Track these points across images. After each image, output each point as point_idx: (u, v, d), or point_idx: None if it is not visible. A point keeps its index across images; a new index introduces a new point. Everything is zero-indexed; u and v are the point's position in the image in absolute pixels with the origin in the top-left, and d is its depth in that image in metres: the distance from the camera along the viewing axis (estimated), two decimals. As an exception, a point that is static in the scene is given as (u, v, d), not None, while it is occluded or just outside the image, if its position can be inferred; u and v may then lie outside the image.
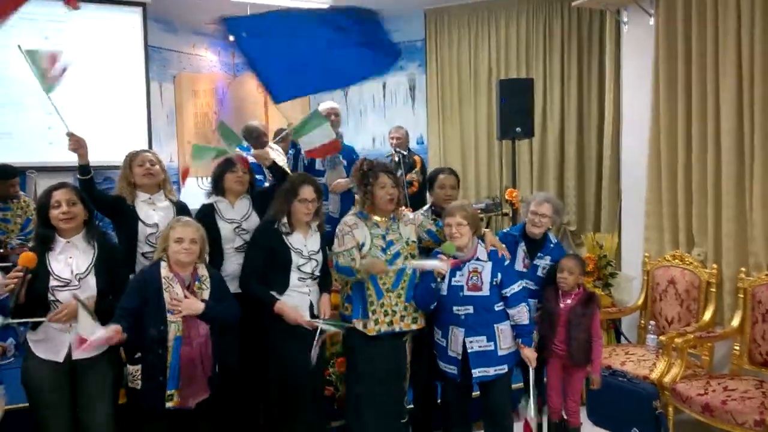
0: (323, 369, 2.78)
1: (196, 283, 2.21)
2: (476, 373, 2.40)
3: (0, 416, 2.10)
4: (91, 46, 4.80)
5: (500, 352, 2.42)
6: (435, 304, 2.45)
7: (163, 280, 2.15)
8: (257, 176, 3.37)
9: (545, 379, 2.70)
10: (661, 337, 2.97)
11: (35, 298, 2.03)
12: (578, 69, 5.07)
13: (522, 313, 2.44)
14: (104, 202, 2.55)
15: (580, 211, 5.11)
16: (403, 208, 2.70)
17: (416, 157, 4.31)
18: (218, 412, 2.32)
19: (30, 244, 2.20)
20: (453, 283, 2.42)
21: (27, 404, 2.19)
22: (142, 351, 2.13)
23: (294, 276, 2.45)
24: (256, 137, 3.60)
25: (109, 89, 4.86)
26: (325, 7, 2.55)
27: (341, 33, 2.44)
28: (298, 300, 2.45)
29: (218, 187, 2.66)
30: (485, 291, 2.40)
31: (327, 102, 4.12)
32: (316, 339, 2.34)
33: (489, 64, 5.46)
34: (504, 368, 2.44)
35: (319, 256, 2.52)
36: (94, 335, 1.91)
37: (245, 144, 3.47)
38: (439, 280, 2.39)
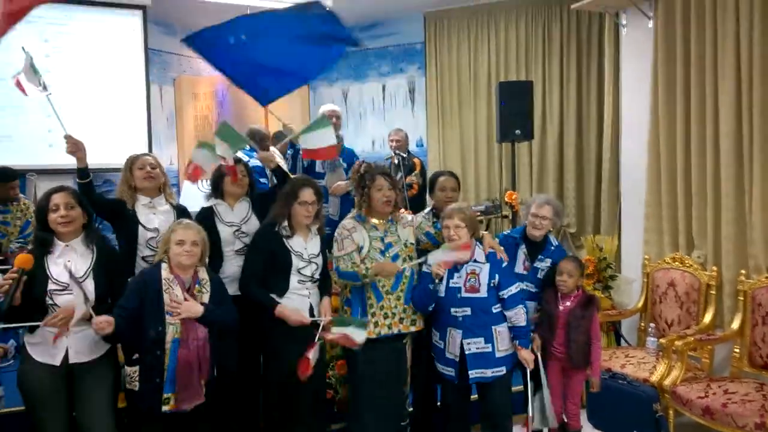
0: (324, 371, 2.78)
1: (196, 286, 2.21)
2: (473, 374, 2.41)
3: None
4: (91, 48, 4.81)
5: (498, 354, 2.42)
6: (433, 305, 2.46)
7: (164, 281, 2.15)
8: (260, 179, 3.39)
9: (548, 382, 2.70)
10: (661, 340, 2.97)
11: (33, 301, 2.02)
12: (577, 72, 5.08)
13: (519, 315, 2.44)
14: (104, 205, 2.55)
15: (579, 213, 5.12)
16: (403, 210, 2.70)
17: (416, 160, 4.31)
18: (217, 415, 2.31)
19: (29, 247, 2.18)
20: (451, 285, 2.43)
21: (24, 408, 2.18)
22: (140, 352, 2.13)
23: (294, 279, 2.45)
24: (260, 140, 3.61)
25: (109, 92, 4.87)
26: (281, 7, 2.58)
27: (290, 29, 2.46)
28: (298, 303, 2.45)
29: (217, 190, 2.66)
30: (483, 293, 2.41)
31: (328, 105, 4.13)
32: (316, 338, 2.32)
33: (488, 67, 5.47)
34: (502, 370, 2.44)
35: (320, 259, 2.52)
36: (78, 310, 1.93)
37: (248, 147, 3.49)
38: (437, 281, 2.40)
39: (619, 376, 2.92)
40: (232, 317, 2.28)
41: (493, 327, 2.43)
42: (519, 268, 2.73)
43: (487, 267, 2.43)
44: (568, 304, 2.60)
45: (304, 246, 2.47)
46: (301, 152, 3.39)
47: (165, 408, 2.09)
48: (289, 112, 5.57)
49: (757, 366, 2.90)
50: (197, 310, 2.14)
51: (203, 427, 2.24)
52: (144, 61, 5.05)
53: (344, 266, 2.46)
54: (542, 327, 2.62)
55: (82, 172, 2.46)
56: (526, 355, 2.44)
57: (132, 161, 2.60)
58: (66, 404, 2.14)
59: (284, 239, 2.44)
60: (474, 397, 2.60)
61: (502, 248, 2.56)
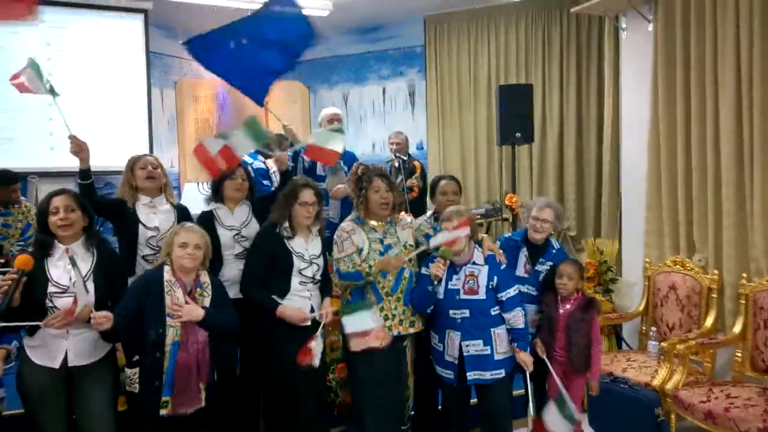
0: (324, 374, 2.77)
1: (198, 289, 2.21)
2: (471, 375, 2.41)
3: None
4: (92, 52, 4.82)
5: (497, 357, 2.42)
6: (432, 307, 2.46)
7: (165, 283, 2.15)
8: (263, 181, 3.40)
9: (546, 386, 2.69)
10: (663, 344, 2.96)
11: (33, 303, 2.02)
12: (577, 75, 5.09)
13: (517, 318, 2.44)
14: (105, 206, 2.57)
15: (580, 216, 5.11)
16: (403, 213, 2.70)
17: (416, 163, 4.31)
18: (218, 418, 2.30)
19: (30, 250, 2.19)
20: (450, 287, 2.43)
21: (24, 410, 2.17)
22: (140, 354, 2.13)
23: (295, 280, 2.45)
24: (279, 142, 3.64)
25: (111, 95, 4.88)
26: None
27: (270, 30, 2.51)
28: (299, 304, 2.45)
29: (218, 193, 2.66)
30: (481, 294, 2.41)
31: (329, 108, 4.13)
32: (317, 334, 2.32)
33: (488, 70, 5.48)
34: (501, 373, 2.43)
35: (320, 260, 2.52)
36: (80, 302, 1.93)
37: (253, 150, 3.50)
38: (435, 283, 2.40)
39: (620, 380, 2.90)
40: (232, 321, 2.28)
41: (491, 329, 2.43)
42: (520, 271, 2.72)
43: (485, 269, 2.44)
44: (568, 307, 2.60)
45: (305, 247, 2.48)
46: (302, 152, 3.39)
47: (163, 411, 2.08)
48: (289, 113, 5.59)
49: (759, 370, 2.88)
50: (198, 313, 2.14)
51: (203, 430, 2.23)
52: (145, 65, 5.07)
53: (345, 267, 2.46)
54: (543, 331, 2.62)
55: (84, 173, 2.47)
56: (524, 358, 2.43)
57: (134, 161, 2.62)
58: (65, 407, 2.14)
59: (285, 240, 2.45)
60: (474, 401, 2.59)
61: (501, 251, 2.56)
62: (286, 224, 2.46)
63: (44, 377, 2.08)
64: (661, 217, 3.57)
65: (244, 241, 2.60)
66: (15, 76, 2.45)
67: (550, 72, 5.19)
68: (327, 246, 2.61)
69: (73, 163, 2.49)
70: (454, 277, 2.43)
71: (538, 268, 2.73)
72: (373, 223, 2.53)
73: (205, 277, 2.25)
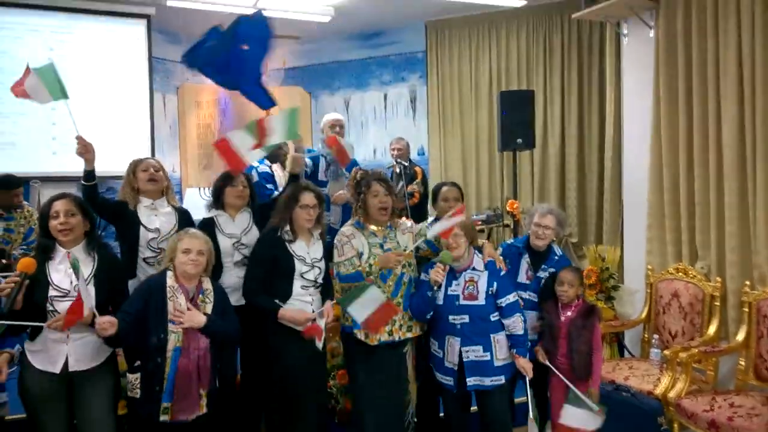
0: (325, 381, 2.77)
1: (200, 296, 2.21)
2: (471, 381, 2.40)
3: None
4: (95, 57, 4.84)
5: (497, 363, 2.42)
6: (431, 313, 2.46)
7: (168, 289, 2.15)
8: (267, 185, 3.41)
9: (548, 393, 2.68)
10: (665, 352, 2.94)
11: (34, 307, 2.02)
12: (578, 81, 5.09)
13: (517, 324, 2.44)
14: (107, 207, 2.58)
15: (581, 222, 5.11)
16: (404, 219, 2.70)
17: (417, 168, 4.31)
18: (219, 426, 2.30)
19: (32, 254, 2.19)
20: (449, 293, 2.44)
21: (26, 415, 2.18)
22: (142, 359, 2.13)
23: (297, 284, 2.44)
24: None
25: (113, 100, 4.90)
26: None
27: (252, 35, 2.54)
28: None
29: (218, 200, 2.67)
30: (481, 300, 2.41)
31: (331, 114, 4.14)
32: (322, 309, 2.36)
33: (490, 76, 5.48)
34: (501, 379, 2.43)
35: (322, 264, 2.52)
36: (86, 306, 1.95)
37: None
38: (435, 288, 2.40)
39: (622, 388, 2.89)
40: (234, 328, 2.28)
41: (491, 335, 2.42)
42: (522, 278, 2.72)
43: (485, 275, 2.44)
44: (569, 314, 2.59)
45: (306, 250, 2.48)
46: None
47: (163, 417, 2.08)
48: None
49: (762, 378, 2.86)
50: (200, 320, 2.14)
51: (204, 436, 2.22)
52: (148, 70, 5.09)
53: (345, 270, 2.47)
54: (545, 338, 2.61)
55: (89, 174, 2.49)
56: (524, 364, 2.43)
57: (136, 164, 2.64)
58: (66, 412, 2.14)
59: (287, 244, 2.45)
60: (474, 408, 2.58)
61: (501, 258, 2.56)
62: (288, 228, 2.46)
63: (45, 382, 2.08)
64: (663, 224, 3.55)
65: (244, 249, 2.60)
66: (20, 83, 2.43)
67: (552, 78, 5.20)
68: (328, 252, 2.61)
69: (76, 168, 2.50)
70: (454, 282, 2.44)
71: (540, 274, 2.72)
72: (373, 227, 2.53)
73: (207, 284, 2.26)
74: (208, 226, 2.60)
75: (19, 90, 2.39)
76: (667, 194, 3.51)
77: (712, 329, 3.10)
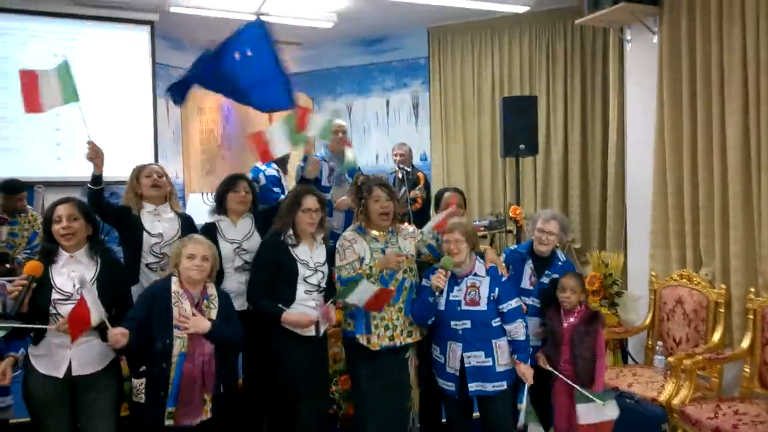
0: (328, 384, 2.76)
1: (205, 301, 2.22)
2: (473, 386, 2.40)
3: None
4: (99, 63, 4.87)
5: (498, 369, 2.41)
6: (432, 319, 2.45)
7: (173, 295, 2.16)
8: (274, 188, 3.41)
9: (551, 400, 2.66)
10: (670, 359, 2.92)
11: (37, 310, 2.03)
12: (581, 87, 5.10)
13: (518, 330, 2.43)
14: (111, 212, 2.59)
15: (584, 228, 5.10)
16: (406, 224, 2.70)
17: (420, 174, 4.31)
18: (221, 427, 2.29)
19: (36, 258, 2.20)
20: (451, 298, 2.43)
21: (30, 419, 2.18)
22: (147, 364, 2.14)
23: (301, 288, 2.44)
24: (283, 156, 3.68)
25: (117, 106, 4.92)
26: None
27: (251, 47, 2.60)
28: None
29: (221, 206, 2.68)
30: (482, 306, 2.41)
31: (335, 120, 4.15)
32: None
33: (492, 82, 5.49)
34: (503, 385, 2.42)
35: (325, 268, 2.52)
36: (93, 318, 1.97)
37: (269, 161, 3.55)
38: (437, 294, 2.40)
39: (626, 395, 2.87)
40: (238, 333, 2.29)
41: (493, 341, 2.42)
42: (525, 284, 2.71)
43: (487, 280, 2.44)
44: (571, 320, 2.58)
45: (309, 255, 2.48)
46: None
47: (168, 422, 2.09)
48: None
49: (767, 386, 2.84)
50: (205, 325, 2.15)
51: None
52: (151, 76, 5.11)
53: (346, 274, 2.47)
54: (547, 345, 2.60)
55: (97, 179, 2.51)
56: (524, 370, 2.42)
57: (139, 170, 2.65)
58: (70, 416, 2.14)
59: (290, 248, 2.45)
60: (477, 414, 2.57)
61: (503, 264, 2.57)
62: (290, 232, 2.46)
63: (49, 386, 2.09)
64: (667, 230, 3.54)
65: (245, 254, 2.61)
66: (31, 75, 2.36)
67: (555, 84, 5.20)
68: (331, 256, 2.61)
69: (80, 173, 2.52)
70: (455, 288, 2.44)
71: (544, 280, 2.71)
72: (375, 232, 2.53)
73: (212, 289, 2.27)
74: (209, 231, 2.61)
75: (34, 102, 2.36)
76: (670, 200, 3.50)
77: (716, 336, 3.08)
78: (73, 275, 2.09)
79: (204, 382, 2.13)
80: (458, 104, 5.66)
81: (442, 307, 2.43)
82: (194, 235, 2.39)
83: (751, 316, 2.94)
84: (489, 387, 2.41)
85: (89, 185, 2.50)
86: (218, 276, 2.50)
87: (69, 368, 2.08)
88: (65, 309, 2.04)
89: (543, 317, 2.66)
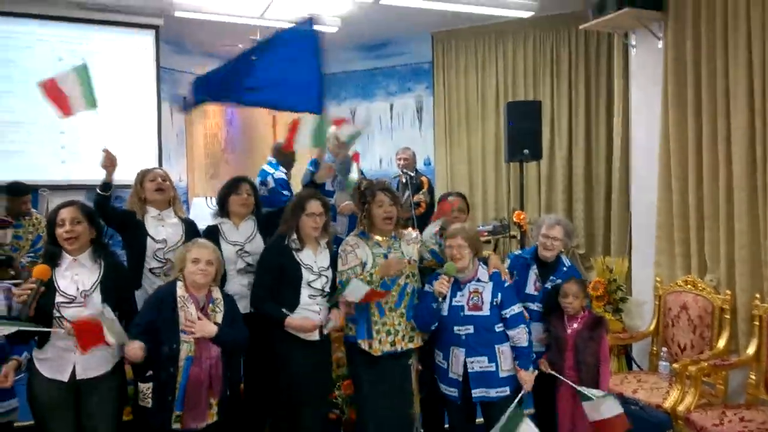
0: (330, 390, 2.76)
1: (210, 305, 2.23)
2: (476, 392, 2.39)
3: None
4: (104, 67, 4.87)
5: (501, 374, 2.41)
6: (435, 324, 2.45)
7: (179, 299, 2.17)
8: (283, 191, 3.42)
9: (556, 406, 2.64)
10: (674, 365, 2.90)
11: (41, 313, 2.04)
12: (586, 92, 5.10)
13: (521, 335, 2.43)
14: (115, 217, 2.61)
15: (589, 233, 5.08)
16: (409, 229, 2.70)
17: (423, 178, 4.32)
18: (225, 430, 2.29)
19: (40, 261, 2.21)
20: (454, 303, 2.43)
21: (34, 422, 2.19)
22: (154, 369, 2.14)
23: (305, 293, 2.44)
24: (288, 156, 3.70)
25: (121, 109, 4.93)
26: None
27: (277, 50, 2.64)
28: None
29: (223, 208, 2.68)
30: (485, 311, 2.41)
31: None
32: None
33: (496, 87, 5.50)
34: (506, 390, 2.41)
35: (329, 273, 2.52)
36: (112, 340, 2.00)
37: (275, 161, 3.60)
38: (440, 300, 2.40)
39: (631, 402, 2.86)
40: (243, 336, 2.30)
41: (496, 346, 2.41)
42: (530, 289, 2.70)
43: (490, 286, 2.44)
44: (575, 326, 2.57)
45: (313, 259, 2.48)
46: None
47: (175, 426, 2.10)
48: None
49: (773, 393, 2.82)
50: (211, 329, 2.16)
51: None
52: (156, 80, 5.13)
53: (348, 279, 2.45)
54: (551, 351, 2.59)
55: (106, 185, 2.53)
56: (525, 377, 2.42)
57: (143, 174, 2.66)
58: (74, 420, 2.14)
59: (294, 252, 2.45)
60: (480, 420, 2.56)
61: (506, 270, 2.56)
62: (294, 236, 2.46)
63: (53, 390, 2.09)
64: (672, 235, 3.53)
65: (248, 257, 2.61)
66: (50, 82, 2.36)
67: (559, 89, 5.20)
68: (334, 261, 2.61)
69: (84, 176, 2.53)
70: (458, 293, 2.44)
71: (549, 285, 2.70)
72: (378, 237, 2.53)
73: (217, 293, 2.27)
74: (212, 234, 2.62)
75: (65, 106, 2.35)
76: (675, 206, 3.49)
77: (721, 342, 3.06)
78: (77, 278, 2.10)
79: (211, 386, 2.14)
80: (462, 109, 5.67)
81: (445, 313, 2.43)
82: (199, 239, 2.40)
83: (757, 323, 2.92)
84: (492, 392, 2.40)
85: (98, 191, 2.52)
86: (222, 277, 2.52)
87: (73, 372, 2.09)
88: (69, 312, 2.05)
89: (546, 323, 2.65)
